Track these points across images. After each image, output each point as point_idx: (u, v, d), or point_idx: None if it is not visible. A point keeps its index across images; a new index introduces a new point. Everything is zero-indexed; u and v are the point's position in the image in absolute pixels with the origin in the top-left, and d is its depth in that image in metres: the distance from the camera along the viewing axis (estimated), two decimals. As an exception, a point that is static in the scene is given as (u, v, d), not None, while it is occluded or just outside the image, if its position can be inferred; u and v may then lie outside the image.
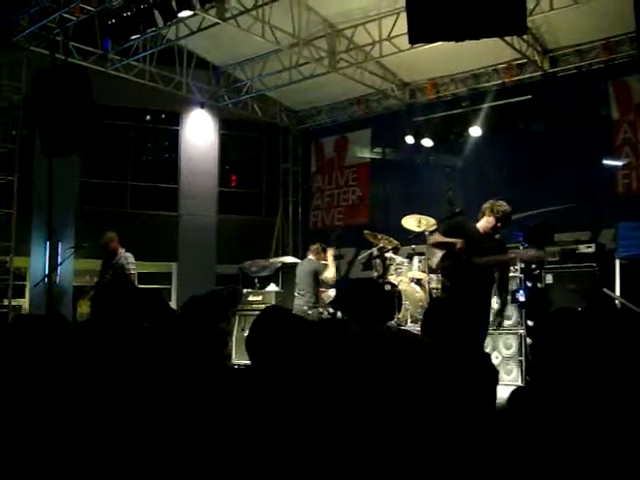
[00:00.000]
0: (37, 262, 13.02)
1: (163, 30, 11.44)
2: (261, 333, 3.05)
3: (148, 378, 2.94)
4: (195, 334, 3.81)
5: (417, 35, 5.88)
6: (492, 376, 3.91)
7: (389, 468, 2.85)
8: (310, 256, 10.17)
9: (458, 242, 6.45)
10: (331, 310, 10.88)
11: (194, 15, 10.65)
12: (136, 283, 9.98)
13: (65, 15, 11.15)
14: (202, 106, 15.37)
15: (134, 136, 15.94)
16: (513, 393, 2.86)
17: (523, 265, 8.82)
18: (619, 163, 11.36)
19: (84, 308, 14.48)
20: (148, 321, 4.30)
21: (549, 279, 8.90)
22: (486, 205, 6.76)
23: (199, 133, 16.08)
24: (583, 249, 8.87)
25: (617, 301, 7.93)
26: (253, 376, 2.97)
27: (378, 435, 2.90)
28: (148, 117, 16.21)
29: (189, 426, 2.70)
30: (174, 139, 16.14)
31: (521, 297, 8.81)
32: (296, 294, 10.12)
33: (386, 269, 10.06)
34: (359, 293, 3.78)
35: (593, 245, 8.96)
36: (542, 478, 2.48)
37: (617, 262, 8.90)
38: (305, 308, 9.53)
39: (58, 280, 12.72)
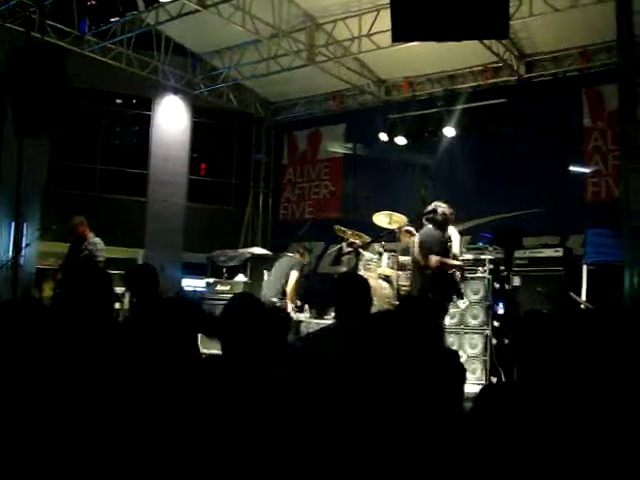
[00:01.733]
0: (1, 243, 12.83)
1: (143, 14, 11.33)
2: (233, 319, 3.04)
3: (126, 362, 2.93)
4: (184, 321, 3.79)
5: (400, 33, 5.89)
6: (460, 374, 3.95)
7: (359, 461, 2.86)
8: (296, 255, 10.18)
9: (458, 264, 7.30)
10: (299, 303, 10.89)
11: (175, 0, 10.56)
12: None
13: (42, -7, 11.00)
14: (175, 92, 15.25)
15: (105, 119, 15.76)
16: (482, 390, 2.89)
17: (492, 266, 8.92)
18: (587, 170, 11.52)
19: (47, 291, 14.30)
20: (138, 297, 4.32)
21: (516, 281, 9.01)
22: (444, 209, 7.16)
23: (171, 119, 15.97)
24: (551, 253, 8.98)
25: (582, 305, 8.06)
26: (225, 362, 2.96)
27: (347, 426, 2.91)
28: (120, 101, 16.06)
29: (170, 410, 2.70)
30: (145, 124, 16.01)
31: (500, 310, 8.88)
32: (265, 284, 10.14)
33: (355, 264, 10.08)
34: (349, 287, 3.81)
35: (561, 249, 9.06)
36: (512, 473, 2.52)
37: (584, 267, 9.02)
38: (274, 299, 9.53)
39: (22, 261, 12.54)
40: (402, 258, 9.37)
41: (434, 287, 7.01)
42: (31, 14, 11.22)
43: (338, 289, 3.86)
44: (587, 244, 9.40)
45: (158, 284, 4.61)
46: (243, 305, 3.06)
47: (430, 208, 7.33)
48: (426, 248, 7.12)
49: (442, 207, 7.27)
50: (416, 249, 7.28)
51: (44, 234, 11.30)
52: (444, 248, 7.17)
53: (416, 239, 7.41)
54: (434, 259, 6.99)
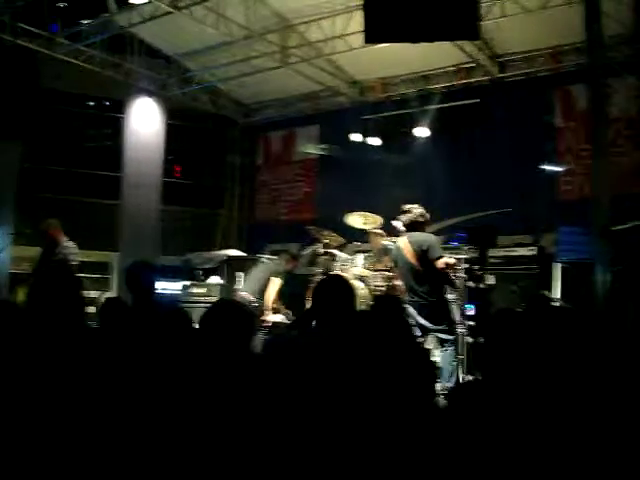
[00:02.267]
0: (-27, 248, 12.67)
1: (115, 16, 11.25)
2: (215, 325, 3.04)
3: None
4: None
5: (373, 35, 5.95)
6: (430, 372, 3.98)
7: (329, 461, 2.87)
8: (282, 262, 10.11)
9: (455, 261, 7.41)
10: (274, 305, 10.86)
11: (148, 2, 10.51)
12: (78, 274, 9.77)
13: (13, -5, 10.89)
14: (149, 95, 15.15)
15: (78, 122, 15.62)
16: (455, 389, 2.92)
17: (467, 265, 8.97)
18: (559, 169, 11.63)
19: (21, 296, 14.14)
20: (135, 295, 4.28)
21: (491, 280, 9.08)
22: (420, 209, 7.16)
23: (144, 122, 15.80)
24: (525, 252, 9.05)
25: (557, 303, 8.13)
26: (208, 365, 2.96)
27: (320, 426, 2.92)
28: (92, 103, 15.93)
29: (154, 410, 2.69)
30: (119, 127, 15.87)
31: (470, 311, 8.91)
32: (242, 284, 10.10)
33: (331, 265, 10.08)
34: (332, 290, 3.81)
35: (535, 248, 9.15)
36: (483, 470, 2.55)
37: (558, 265, 9.10)
38: (251, 298, 9.49)
39: (-6, 266, 12.41)
40: (377, 259, 9.38)
41: (439, 287, 7.02)
42: (1, 17, 11.11)
43: (321, 292, 3.85)
44: (560, 242, 9.49)
45: (154, 283, 4.60)
46: (225, 312, 3.06)
47: (405, 208, 7.31)
48: (427, 251, 7.01)
49: (416, 208, 7.25)
50: (409, 253, 7.14)
51: (17, 239, 11.19)
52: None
53: (405, 243, 7.24)
54: (441, 261, 6.94)
